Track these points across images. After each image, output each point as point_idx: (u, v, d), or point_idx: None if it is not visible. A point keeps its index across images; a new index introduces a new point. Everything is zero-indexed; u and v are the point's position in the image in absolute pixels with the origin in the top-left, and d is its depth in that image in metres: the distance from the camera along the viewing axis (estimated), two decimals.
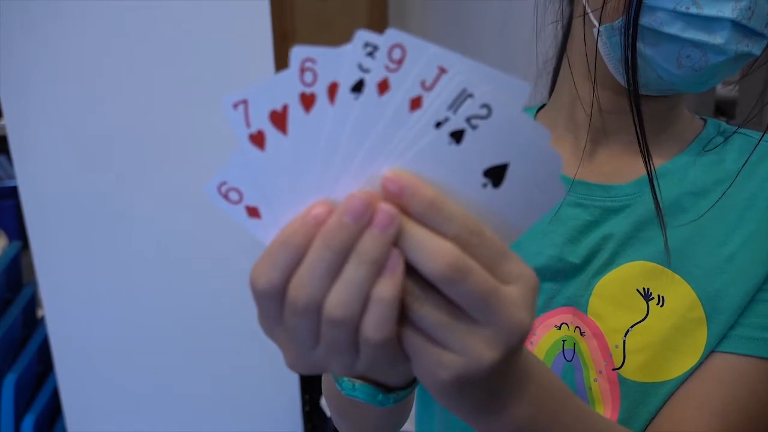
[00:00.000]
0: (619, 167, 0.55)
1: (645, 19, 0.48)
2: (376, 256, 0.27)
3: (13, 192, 3.11)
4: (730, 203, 0.51)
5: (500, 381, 0.32)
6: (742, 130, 0.55)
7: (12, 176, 3.26)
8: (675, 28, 0.47)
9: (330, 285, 0.28)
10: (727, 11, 0.45)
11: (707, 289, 0.50)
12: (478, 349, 0.28)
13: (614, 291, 0.52)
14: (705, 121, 0.57)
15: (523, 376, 0.34)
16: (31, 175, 1.25)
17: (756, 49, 0.47)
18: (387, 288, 0.27)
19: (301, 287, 0.28)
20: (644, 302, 0.51)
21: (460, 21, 1.83)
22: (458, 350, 0.28)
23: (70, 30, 1.19)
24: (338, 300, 0.28)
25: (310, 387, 1.67)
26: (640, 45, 0.49)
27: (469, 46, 1.77)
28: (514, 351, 0.29)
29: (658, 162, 0.54)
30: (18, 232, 2.59)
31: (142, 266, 1.35)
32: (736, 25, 0.46)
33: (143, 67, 1.24)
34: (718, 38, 0.46)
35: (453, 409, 0.33)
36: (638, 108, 0.50)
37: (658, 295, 0.51)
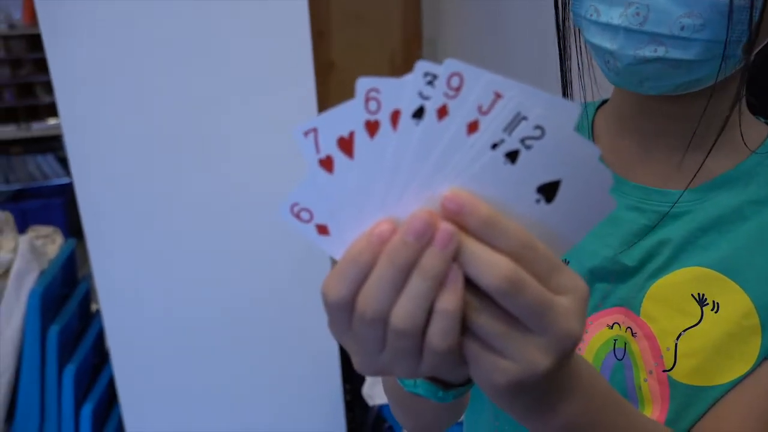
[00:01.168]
0: (677, 171, 0.55)
1: (578, 24, 0.51)
2: (438, 272, 0.29)
3: (61, 190, 3.21)
4: None
5: (552, 385, 0.34)
6: None
7: (60, 174, 3.37)
8: (590, 34, 0.49)
9: (395, 298, 0.30)
10: (615, 17, 0.46)
11: (763, 297, 0.50)
12: (533, 356, 0.30)
13: (668, 295, 0.53)
14: None
15: (572, 380, 0.35)
16: (86, 173, 1.30)
17: (674, 52, 0.46)
18: (449, 300, 0.29)
19: (369, 300, 0.30)
20: (698, 307, 0.51)
21: (494, 13, 1.82)
22: (514, 358, 0.30)
23: (122, 33, 1.23)
24: (404, 312, 0.30)
25: (351, 377, 1.70)
26: (589, 47, 0.51)
27: (502, 38, 1.76)
28: (565, 358, 0.31)
29: (719, 170, 0.54)
30: (66, 229, 2.67)
31: (191, 261, 1.39)
32: (630, 31, 0.46)
33: (188, 67, 1.27)
34: (614, 44, 0.47)
35: (506, 409, 0.35)
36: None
37: (713, 301, 0.51)
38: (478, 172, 0.30)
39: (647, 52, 0.46)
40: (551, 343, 0.30)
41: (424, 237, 0.29)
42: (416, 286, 0.29)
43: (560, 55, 0.57)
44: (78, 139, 1.27)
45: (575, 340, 0.31)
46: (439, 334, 0.30)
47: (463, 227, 0.30)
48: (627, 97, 0.55)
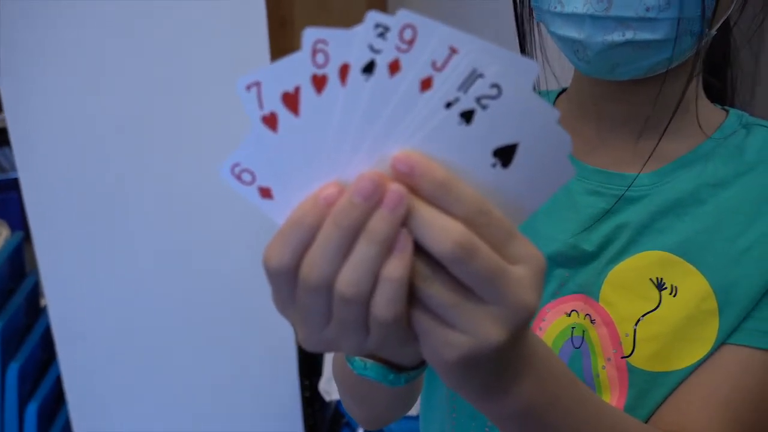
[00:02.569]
0: (636, 156, 0.55)
1: (540, 18, 0.52)
2: (386, 236, 0.27)
3: (16, 184, 3.10)
4: (748, 196, 0.51)
5: (506, 362, 0.32)
6: (764, 122, 0.55)
7: (15, 168, 3.25)
8: (555, 27, 0.50)
9: (341, 264, 0.28)
10: (579, 6, 0.47)
11: (721, 280, 0.50)
12: (486, 328, 0.29)
13: (627, 279, 0.53)
14: (727, 111, 0.57)
15: (527, 359, 0.34)
16: (32, 165, 1.25)
17: (642, 33, 0.46)
18: (396, 267, 0.28)
19: (313, 266, 0.29)
20: (657, 292, 0.51)
21: (460, 2, 1.82)
22: (466, 329, 0.29)
23: (69, 22, 1.18)
24: (349, 279, 0.28)
25: (310, 372, 1.68)
26: (554, 40, 0.52)
27: (469, 26, 1.77)
28: (520, 331, 0.30)
29: (676, 153, 0.54)
30: (22, 224, 2.59)
31: (142, 255, 1.35)
32: (596, 18, 0.47)
33: (140, 59, 1.23)
34: (582, 33, 0.48)
35: (459, 389, 0.34)
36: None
37: (671, 285, 0.51)
38: (431, 133, 0.28)
39: (616, 36, 0.47)
40: (505, 314, 0.29)
41: (372, 198, 0.27)
42: (362, 250, 0.28)
43: (522, 51, 0.57)
44: (23, 130, 1.22)
45: (530, 312, 0.30)
46: (384, 303, 0.28)
47: (414, 191, 0.28)
48: (587, 83, 0.55)
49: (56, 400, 1.68)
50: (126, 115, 1.26)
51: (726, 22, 0.51)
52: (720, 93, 0.61)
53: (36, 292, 1.82)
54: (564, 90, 0.62)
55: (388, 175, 0.28)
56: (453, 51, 0.27)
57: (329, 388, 1.58)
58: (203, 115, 1.28)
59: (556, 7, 0.48)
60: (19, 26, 1.17)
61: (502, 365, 0.32)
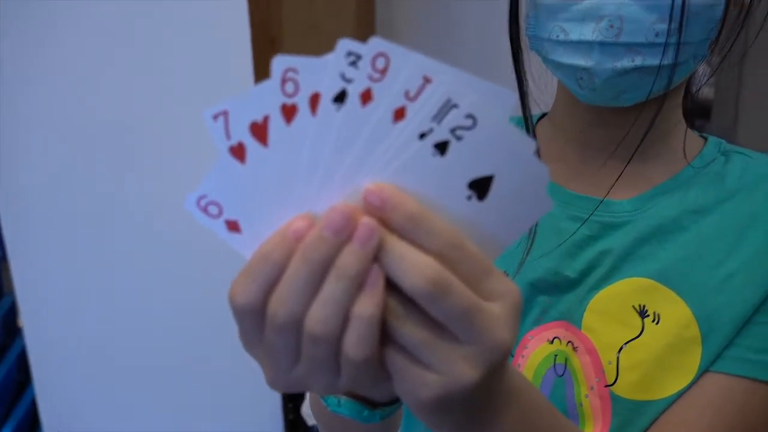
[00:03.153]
0: (619, 182, 0.55)
1: (537, 48, 0.51)
2: (356, 272, 0.26)
3: None
4: (729, 223, 0.51)
5: (482, 400, 0.31)
6: (742, 150, 0.56)
7: None
8: (557, 55, 0.49)
9: (310, 301, 0.27)
10: (588, 34, 0.47)
11: (704, 308, 0.50)
12: (460, 368, 0.28)
13: (609, 307, 0.52)
14: (706, 139, 0.57)
15: (505, 395, 0.33)
16: (6, 183, 1.22)
17: (651, 59, 0.46)
18: (367, 305, 0.27)
19: (281, 303, 0.27)
20: (639, 319, 0.51)
21: (448, 24, 1.84)
22: (439, 369, 0.28)
23: (47, 34, 1.17)
24: (318, 316, 0.27)
25: (294, 395, 1.65)
26: (550, 69, 0.51)
27: (456, 49, 1.78)
28: (495, 370, 0.29)
29: (658, 178, 0.54)
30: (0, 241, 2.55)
31: (121, 275, 1.33)
32: (605, 45, 0.46)
33: (122, 78, 1.22)
34: (590, 61, 0.47)
35: (435, 428, 0.32)
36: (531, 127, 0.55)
37: (654, 313, 0.51)
38: (405, 165, 0.27)
39: (625, 62, 0.47)
40: (479, 354, 0.28)
41: (343, 232, 0.26)
42: (332, 287, 0.27)
43: (518, 78, 0.56)
44: None
45: (505, 351, 0.28)
46: (355, 342, 0.27)
47: (387, 224, 0.27)
48: (578, 110, 0.55)
49: (31, 423, 1.64)
50: (106, 136, 1.25)
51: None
52: (691, 114, 0.61)
53: (13, 312, 1.79)
54: (544, 115, 0.62)
55: (359, 208, 0.27)
56: (426, 80, 0.26)
57: (312, 412, 1.56)
58: (186, 136, 1.27)
59: (558, 36, 0.48)
60: None
61: (479, 404, 0.31)
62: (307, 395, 1.58)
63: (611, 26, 0.46)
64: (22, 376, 1.70)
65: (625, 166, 0.53)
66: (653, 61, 0.46)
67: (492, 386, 0.31)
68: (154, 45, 1.23)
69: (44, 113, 1.21)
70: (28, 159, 1.23)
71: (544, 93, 0.59)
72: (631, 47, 0.46)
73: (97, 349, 1.36)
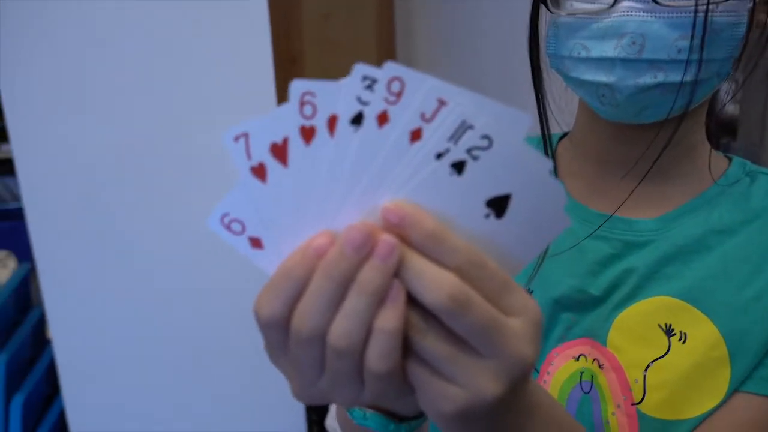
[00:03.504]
0: (642, 201, 0.54)
1: (558, 66, 0.51)
2: (377, 287, 0.27)
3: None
4: (755, 243, 0.51)
5: (505, 414, 0.31)
6: (767, 170, 0.56)
7: None
8: (579, 72, 0.49)
9: (333, 315, 0.28)
10: (610, 51, 0.46)
11: (731, 327, 0.49)
12: (482, 382, 0.28)
13: (634, 325, 0.52)
14: (730, 159, 0.57)
15: (529, 410, 0.33)
16: (36, 196, 1.25)
17: (673, 75, 0.46)
18: (389, 319, 0.27)
19: (304, 318, 0.28)
20: (666, 338, 0.51)
21: (468, 38, 1.84)
22: (462, 383, 0.28)
23: (74, 53, 1.20)
24: (341, 331, 0.28)
25: (318, 408, 1.66)
26: (571, 86, 0.52)
27: (476, 62, 1.78)
28: (517, 384, 0.29)
29: (681, 199, 0.54)
30: (30, 254, 2.60)
31: (148, 288, 1.35)
32: (628, 62, 0.46)
33: (147, 93, 1.25)
34: (612, 77, 0.47)
35: None
36: (549, 146, 0.56)
37: (681, 332, 0.50)
38: (422, 184, 0.28)
39: (648, 79, 0.46)
40: (501, 368, 0.28)
41: (363, 249, 0.27)
42: (354, 302, 0.27)
43: (537, 97, 0.57)
44: (28, 161, 1.23)
45: (527, 365, 0.29)
46: (377, 356, 0.28)
47: (406, 242, 0.28)
48: (598, 127, 0.55)
49: None
50: (132, 148, 1.27)
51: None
52: (717, 133, 0.61)
53: (42, 323, 1.82)
54: (566, 134, 0.62)
55: (378, 225, 0.28)
56: (442, 103, 0.27)
57: (335, 425, 1.55)
58: (210, 151, 1.29)
59: (580, 53, 0.48)
60: (22, 58, 1.18)
61: (502, 418, 0.31)
62: (332, 407, 1.58)
63: (633, 43, 0.46)
64: (50, 388, 1.73)
65: (639, 183, 0.53)
66: (675, 77, 0.46)
67: (515, 401, 0.31)
68: (178, 61, 1.25)
69: (72, 131, 1.24)
70: (57, 175, 1.25)
71: (564, 112, 0.59)
72: (653, 63, 0.46)
73: (124, 360, 1.38)
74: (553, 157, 0.61)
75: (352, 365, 0.28)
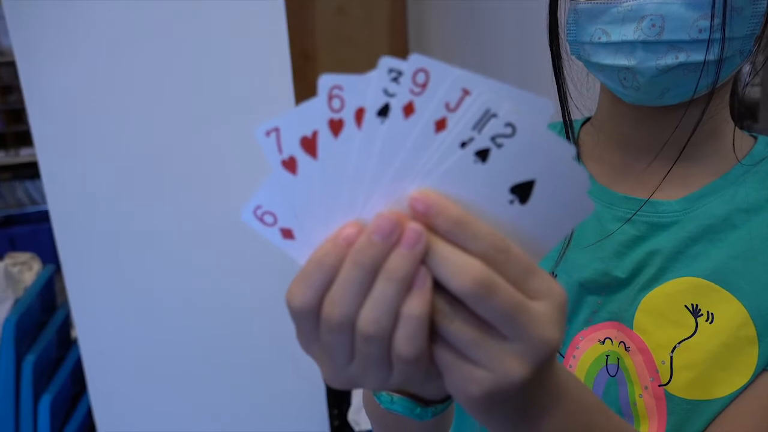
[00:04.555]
0: (666, 182, 0.54)
1: (578, 52, 0.51)
2: (405, 274, 0.28)
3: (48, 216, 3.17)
4: None
5: (531, 397, 0.32)
6: None
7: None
8: (600, 57, 0.49)
9: (362, 302, 0.29)
10: (630, 34, 0.47)
11: (759, 306, 0.49)
12: (508, 365, 0.29)
13: (661, 306, 0.52)
14: (756, 138, 0.56)
15: (555, 392, 0.34)
16: (61, 198, 1.28)
17: (695, 55, 0.46)
18: (416, 304, 0.28)
19: (335, 305, 0.29)
20: (693, 318, 0.50)
21: (480, 32, 1.84)
22: (488, 366, 0.29)
23: (97, 58, 1.22)
24: (370, 317, 0.28)
25: (339, 401, 1.67)
26: (593, 71, 0.52)
27: (490, 56, 1.77)
28: (542, 367, 0.30)
29: (707, 178, 0.54)
30: (55, 256, 2.64)
31: (170, 286, 1.37)
32: (648, 44, 0.47)
33: (167, 94, 1.26)
34: (633, 60, 0.47)
35: (485, 423, 0.34)
36: (571, 131, 0.56)
37: (708, 312, 0.50)
38: (448, 172, 0.29)
39: (669, 60, 0.47)
40: (527, 351, 0.29)
41: (391, 237, 0.28)
42: (382, 289, 0.28)
43: (558, 83, 0.57)
44: (53, 163, 1.26)
45: (552, 348, 0.29)
46: (405, 340, 0.28)
47: (432, 229, 0.29)
48: (620, 111, 0.55)
49: None
50: (154, 149, 1.29)
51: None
52: (739, 115, 0.60)
53: (67, 324, 1.85)
54: (588, 119, 0.62)
55: (405, 214, 0.29)
56: (465, 92, 0.28)
57: (358, 418, 1.57)
58: (230, 149, 1.30)
59: (600, 38, 0.48)
60: (45, 61, 1.20)
61: (528, 400, 0.32)
62: (354, 402, 1.59)
63: (653, 25, 0.46)
64: (77, 387, 1.76)
65: (672, 167, 0.53)
66: (697, 57, 0.46)
67: (540, 384, 0.32)
68: (197, 60, 1.26)
69: (94, 132, 1.26)
70: (79, 174, 1.27)
71: (586, 98, 0.59)
72: (674, 45, 0.46)
73: (149, 358, 1.40)
74: (576, 143, 0.61)
75: (380, 350, 0.29)
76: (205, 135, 1.30)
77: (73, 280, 1.32)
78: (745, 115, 0.61)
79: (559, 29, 0.55)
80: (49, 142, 1.24)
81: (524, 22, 1.46)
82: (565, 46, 0.55)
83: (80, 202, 1.28)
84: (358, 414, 1.57)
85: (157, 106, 1.27)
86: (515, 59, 1.56)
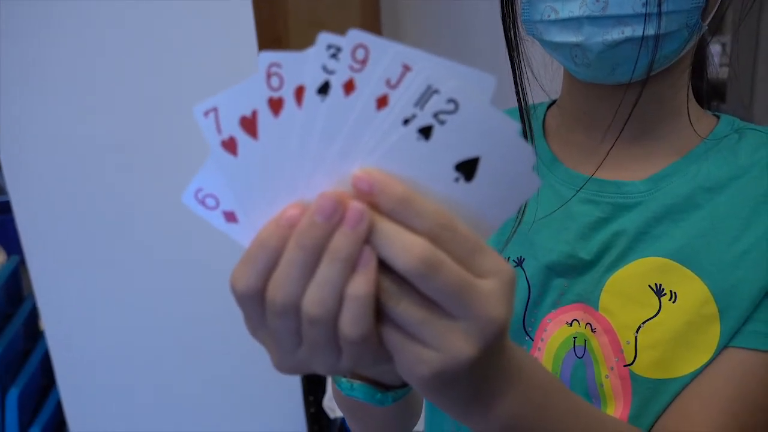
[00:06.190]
0: (629, 163, 0.55)
1: (532, 31, 0.52)
2: (348, 254, 0.27)
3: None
4: (743, 199, 0.51)
5: (483, 376, 0.32)
6: (756, 126, 0.55)
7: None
8: (551, 35, 0.50)
9: (306, 284, 0.28)
10: (576, 10, 0.47)
11: (721, 284, 0.49)
12: (456, 344, 0.28)
13: (625, 287, 0.52)
14: (718, 117, 0.57)
15: (508, 372, 0.33)
16: (23, 187, 1.25)
17: (640, 30, 0.47)
18: (360, 285, 0.28)
19: (279, 288, 0.28)
20: (656, 298, 0.51)
21: (453, 16, 1.83)
22: (436, 346, 0.29)
23: (57, 39, 1.19)
24: (314, 299, 0.28)
25: (315, 388, 1.67)
26: (548, 50, 0.52)
27: (462, 39, 1.77)
28: (492, 345, 0.29)
29: (669, 158, 0.54)
30: (19, 247, 2.59)
31: (138, 274, 1.35)
32: (593, 19, 0.47)
33: (130, 77, 1.24)
34: (580, 36, 0.48)
35: (440, 405, 0.33)
36: (528, 119, 0.56)
37: (671, 291, 0.51)
38: (390, 150, 0.28)
39: (615, 34, 0.47)
40: (474, 329, 0.29)
41: (333, 217, 0.27)
42: (326, 270, 0.28)
43: (513, 67, 0.57)
44: (13, 152, 1.23)
45: (500, 326, 0.29)
46: (350, 322, 0.28)
47: (377, 208, 0.28)
48: (578, 91, 0.55)
49: (57, 426, 1.67)
50: (117, 135, 1.26)
51: (715, 16, 0.51)
52: (707, 95, 0.61)
53: (34, 315, 1.82)
54: (554, 102, 0.62)
55: (349, 193, 0.28)
56: (406, 68, 0.27)
57: (333, 405, 1.57)
58: (195, 135, 1.28)
59: (549, 15, 0.49)
60: (6, 47, 1.17)
61: (479, 380, 0.32)
62: (329, 389, 1.59)
63: (597, 0, 0.46)
64: (46, 379, 1.73)
65: (613, 143, 0.53)
66: (636, 32, 0.46)
67: (491, 363, 0.31)
68: (161, 45, 1.24)
69: (53, 117, 1.23)
70: (41, 163, 1.25)
71: (554, 81, 0.59)
72: (619, 19, 0.46)
73: (118, 349, 1.38)
74: (543, 125, 0.61)
75: (327, 333, 0.29)
76: (170, 121, 1.27)
77: (38, 271, 1.29)
78: (712, 95, 0.62)
79: (517, 10, 0.55)
80: (10, 132, 1.21)
81: (498, 6, 1.45)
82: (522, 27, 0.54)
83: (43, 191, 1.26)
84: (333, 401, 1.57)
85: (119, 92, 1.24)
86: (490, 41, 1.56)
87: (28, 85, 1.20)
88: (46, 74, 1.20)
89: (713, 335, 0.49)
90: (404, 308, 0.28)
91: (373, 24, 2.23)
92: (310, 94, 0.28)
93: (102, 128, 1.25)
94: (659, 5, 0.45)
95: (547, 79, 0.59)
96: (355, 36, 0.27)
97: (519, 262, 0.57)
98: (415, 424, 0.54)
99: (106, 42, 1.21)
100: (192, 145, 1.29)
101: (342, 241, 0.27)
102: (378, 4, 2.24)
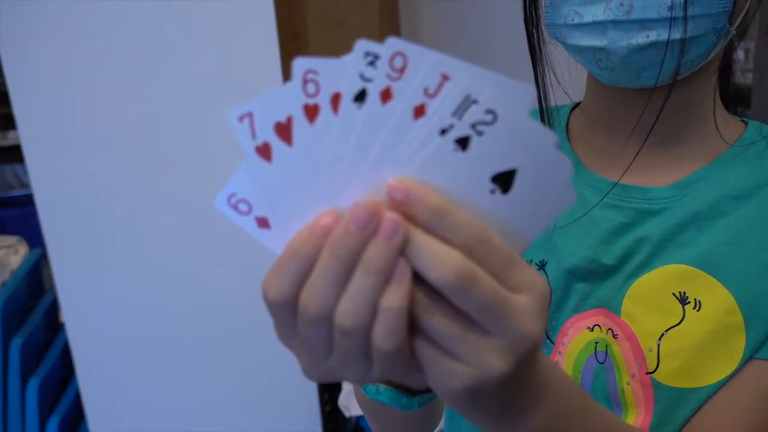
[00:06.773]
0: (654, 169, 0.54)
1: (556, 35, 0.51)
2: (382, 265, 0.27)
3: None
4: None
5: (514, 391, 0.31)
6: None
7: None
8: (575, 39, 0.49)
9: (340, 294, 0.28)
10: (600, 14, 0.47)
11: (747, 294, 0.49)
12: (489, 359, 0.28)
13: (648, 294, 0.51)
14: (746, 123, 0.56)
15: (539, 386, 0.33)
16: (45, 181, 1.26)
17: (664, 34, 0.46)
18: (394, 297, 0.27)
19: (312, 297, 0.28)
20: (680, 306, 0.50)
21: (472, 15, 1.82)
22: (469, 361, 0.28)
23: (82, 40, 1.20)
24: (347, 310, 0.28)
25: (330, 387, 1.67)
26: (571, 54, 0.52)
27: (482, 40, 1.76)
28: (525, 361, 0.29)
29: (695, 165, 0.53)
30: (41, 240, 2.63)
31: (157, 269, 1.36)
32: (617, 23, 0.46)
33: (153, 75, 1.25)
34: (604, 40, 0.47)
35: (469, 417, 0.33)
36: (547, 117, 0.56)
37: (695, 299, 0.50)
38: (427, 160, 0.28)
39: (640, 39, 0.46)
40: (508, 345, 0.28)
41: (368, 227, 0.27)
42: (360, 281, 0.27)
43: (535, 69, 0.56)
44: (36, 147, 1.24)
45: (534, 342, 0.29)
46: (383, 334, 0.27)
47: (411, 219, 0.28)
48: (602, 95, 0.55)
49: (76, 416, 1.69)
50: (139, 132, 1.27)
51: (742, 21, 0.50)
52: (732, 100, 0.59)
53: (55, 308, 1.84)
54: (577, 104, 0.61)
55: (383, 203, 0.28)
56: (445, 78, 0.27)
57: (349, 404, 1.57)
58: (217, 133, 1.29)
59: (573, 19, 0.48)
60: (30, 44, 1.18)
61: (511, 395, 0.31)
62: (345, 387, 1.59)
63: (621, 5, 0.46)
64: (65, 370, 1.75)
65: (641, 147, 0.52)
66: (661, 37, 0.46)
67: (523, 378, 0.31)
68: (183, 43, 1.24)
69: (78, 115, 1.24)
70: (64, 159, 1.26)
71: (577, 84, 0.58)
72: (644, 23, 0.46)
73: (136, 342, 1.39)
74: (566, 128, 0.60)
75: (359, 344, 0.28)
76: (191, 118, 1.28)
77: (59, 263, 1.31)
78: (737, 101, 0.61)
79: (541, 12, 0.54)
80: (33, 126, 1.22)
81: (518, 4, 1.44)
82: (545, 30, 0.54)
83: (65, 185, 1.27)
84: (348, 399, 1.57)
85: (143, 89, 1.25)
86: (509, 43, 1.54)
87: (51, 81, 1.21)
88: (70, 71, 1.21)
89: (738, 345, 0.48)
90: (437, 322, 0.28)
91: (391, 22, 2.23)
92: (346, 101, 0.27)
93: (124, 125, 1.26)
94: (685, 9, 0.45)
95: (570, 83, 0.58)
96: (394, 44, 0.26)
97: (541, 265, 0.56)
98: (437, 426, 0.54)
99: (127, 40, 1.22)
100: (213, 142, 1.29)
101: (376, 253, 0.27)
102: (397, 2, 2.23)
